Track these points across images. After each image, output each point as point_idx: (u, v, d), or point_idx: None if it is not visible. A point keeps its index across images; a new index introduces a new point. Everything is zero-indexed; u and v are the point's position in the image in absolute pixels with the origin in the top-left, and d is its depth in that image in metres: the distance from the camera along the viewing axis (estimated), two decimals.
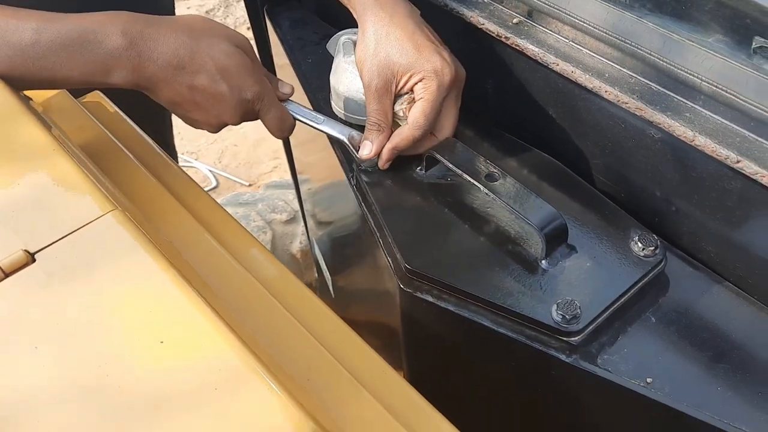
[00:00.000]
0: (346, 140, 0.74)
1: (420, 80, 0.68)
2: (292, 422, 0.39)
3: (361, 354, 0.58)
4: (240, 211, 1.87)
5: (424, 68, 0.68)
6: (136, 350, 0.42)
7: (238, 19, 2.79)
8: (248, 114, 0.72)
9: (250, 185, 2.13)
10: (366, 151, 0.71)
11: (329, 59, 0.80)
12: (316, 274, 1.45)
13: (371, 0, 0.70)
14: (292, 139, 1.23)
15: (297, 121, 0.76)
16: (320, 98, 0.83)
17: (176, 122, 0.73)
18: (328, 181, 1.02)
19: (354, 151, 0.73)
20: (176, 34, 0.67)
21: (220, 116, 0.71)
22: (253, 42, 1.13)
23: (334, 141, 0.77)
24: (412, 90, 0.70)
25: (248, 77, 0.69)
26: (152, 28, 0.66)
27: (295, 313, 0.59)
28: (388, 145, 0.71)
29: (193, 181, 0.72)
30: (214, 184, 2.11)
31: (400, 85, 0.69)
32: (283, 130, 0.75)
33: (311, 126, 0.76)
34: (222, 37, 0.69)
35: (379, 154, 0.71)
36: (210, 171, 2.13)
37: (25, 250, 0.47)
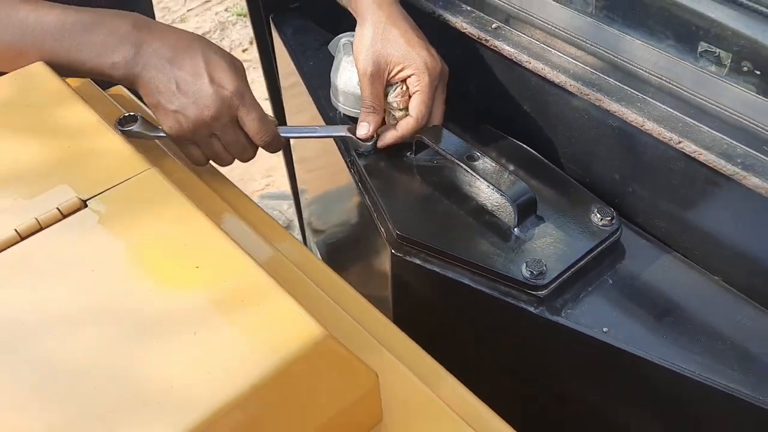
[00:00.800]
0: (345, 133, 0.82)
1: (412, 74, 0.77)
2: (306, 330, 0.48)
3: (363, 308, 0.66)
4: None
5: (416, 61, 0.76)
6: (176, 273, 0.51)
7: (234, 41, 2.90)
8: (226, 110, 0.73)
9: None
10: (363, 131, 0.80)
11: (328, 62, 0.89)
12: None
13: (371, 3, 0.78)
14: (294, 155, 1.32)
15: (297, 139, 0.82)
16: (321, 96, 0.92)
17: None
18: (327, 188, 1.10)
19: (354, 137, 0.81)
20: (179, 34, 0.74)
21: (198, 106, 0.72)
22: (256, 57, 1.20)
23: (335, 138, 0.86)
24: (403, 81, 0.78)
25: (231, 74, 0.73)
26: (159, 26, 0.75)
27: (309, 275, 0.67)
28: (396, 134, 0.79)
29: (214, 166, 0.81)
30: None
31: (392, 73, 0.78)
32: (263, 133, 0.76)
33: (310, 137, 0.84)
34: (218, 48, 0.75)
35: (376, 139, 0.80)
36: None
37: (79, 197, 0.56)
